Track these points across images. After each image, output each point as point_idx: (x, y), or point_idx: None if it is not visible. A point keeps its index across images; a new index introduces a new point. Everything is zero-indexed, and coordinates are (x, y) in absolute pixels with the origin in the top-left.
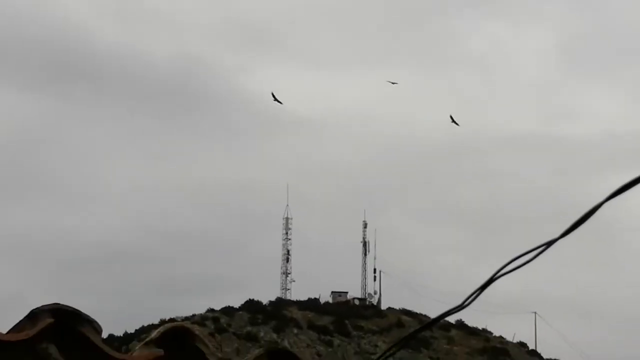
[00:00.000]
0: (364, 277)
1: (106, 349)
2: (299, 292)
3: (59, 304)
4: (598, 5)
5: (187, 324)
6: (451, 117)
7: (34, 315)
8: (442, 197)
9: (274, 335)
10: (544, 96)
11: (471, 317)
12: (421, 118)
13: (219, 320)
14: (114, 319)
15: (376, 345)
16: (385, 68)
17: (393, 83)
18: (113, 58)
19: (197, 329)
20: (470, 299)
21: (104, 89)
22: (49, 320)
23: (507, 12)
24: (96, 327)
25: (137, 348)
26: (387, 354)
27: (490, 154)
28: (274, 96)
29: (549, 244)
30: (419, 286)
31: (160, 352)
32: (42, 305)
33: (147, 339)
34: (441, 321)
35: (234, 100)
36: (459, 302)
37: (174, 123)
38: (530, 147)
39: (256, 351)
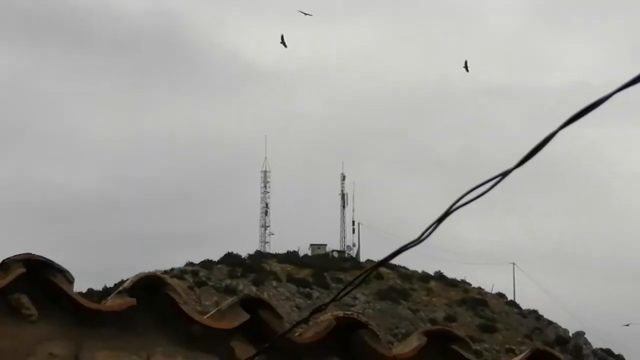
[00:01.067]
0: (343, 230)
1: (78, 298)
2: (277, 245)
3: (30, 253)
4: None
5: (159, 274)
6: (465, 63)
7: (5, 265)
8: (418, 147)
9: (253, 288)
10: (518, 47)
11: (450, 269)
12: (394, 69)
13: (197, 274)
14: (93, 273)
15: (355, 297)
16: (357, 19)
17: (306, 14)
18: (86, 10)
19: (169, 279)
20: (427, 233)
21: (76, 41)
22: (21, 270)
23: None
24: (68, 277)
25: (110, 297)
26: (347, 290)
27: (464, 104)
28: (282, 39)
29: (505, 174)
30: (398, 237)
31: (132, 301)
32: (14, 255)
33: (120, 289)
34: (420, 272)
35: (208, 52)
36: (436, 253)
37: (149, 75)
38: (506, 97)
39: (230, 300)
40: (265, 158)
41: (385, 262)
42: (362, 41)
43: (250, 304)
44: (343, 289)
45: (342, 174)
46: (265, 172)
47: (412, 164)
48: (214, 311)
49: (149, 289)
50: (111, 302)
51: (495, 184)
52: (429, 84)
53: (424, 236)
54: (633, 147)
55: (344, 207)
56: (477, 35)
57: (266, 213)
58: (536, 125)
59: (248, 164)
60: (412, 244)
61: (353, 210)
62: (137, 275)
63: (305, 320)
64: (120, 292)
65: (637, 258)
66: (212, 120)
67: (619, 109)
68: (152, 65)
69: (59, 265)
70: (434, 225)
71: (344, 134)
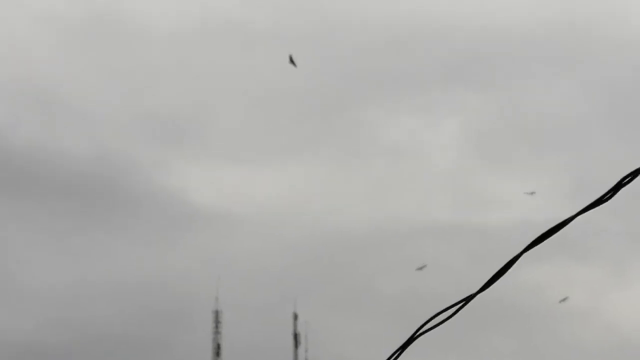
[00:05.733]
0: None
1: None
2: None
3: None
4: (512, 98)
5: None
6: (290, 58)
7: None
8: (367, 287)
9: None
10: (459, 185)
11: None
12: (340, 208)
13: None
14: None
15: None
16: (300, 161)
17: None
18: (26, 154)
19: None
20: (392, 359)
21: (16, 186)
22: None
23: (420, 105)
24: None
25: None
26: None
27: (408, 243)
28: (291, 59)
29: (468, 299)
30: None
31: None
32: None
33: None
34: None
35: (153, 196)
36: None
37: (92, 219)
38: (447, 235)
39: None
40: (217, 298)
41: None
42: (304, 181)
43: None
44: None
45: (295, 313)
46: (216, 312)
47: (361, 303)
48: None
49: None
50: None
51: (459, 309)
52: (372, 223)
53: None
54: (574, 285)
55: (296, 347)
56: (419, 172)
57: (218, 354)
58: (480, 263)
59: (197, 305)
60: None
61: (306, 351)
62: None
63: None
64: None
65: None
66: (157, 263)
67: (558, 247)
68: (94, 209)
69: None
70: (398, 353)
71: (295, 274)
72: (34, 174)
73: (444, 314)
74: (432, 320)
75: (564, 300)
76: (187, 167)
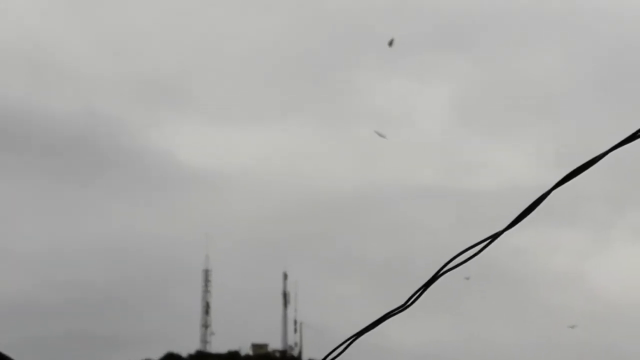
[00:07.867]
0: (285, 329)
1: None
2: (219, 345)
3: None
4: (502, 64)
5: None
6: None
7: None
8: (354, 250)
9: None
10: (446, 150)
11: None
12: (327, 170)
13: None
14: None
15: None
16: (289, 122)
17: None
18: (15, 115)
19: None
20: (414, 298)
21: (4, 145)
22: None
23: (408, 69)
24: None
25: None
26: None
27: (395, 207)
28: (391, 42)
29: (495, 236)
30: (339, 338)
31: None
32: None
33: None
34: None
35: (140, 156)
36: (380, 355)
37: (82, 179)
38: (434, 200)
39: None
40: (207, 256)
41: (368, 330)
42: (292, 143)
43: None
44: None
45: (284, 272)
46: (206, 270)
47: (349, 265)
48: None
49: None
50: None
51: (485, 247)
52: (358, 188)
53: (410, 301)
54: (557, 250)
55: (285, 306)
56: (406, 137)
57: (207, 312)
58: (466, 227)
59: (187, 263)
60: (398, 310)
61: (295, 310)
62: None
63: None
64: None
65: None
66: (147, 222)
67: (542, 213)
68: (85, 169)
69: (8, 357)
70: (421, 291)
71: (283, 234)
72: (22, 134)
73: (468, 252)
74: (457, 259)
75: (572, 327)
76: (175, 128)
